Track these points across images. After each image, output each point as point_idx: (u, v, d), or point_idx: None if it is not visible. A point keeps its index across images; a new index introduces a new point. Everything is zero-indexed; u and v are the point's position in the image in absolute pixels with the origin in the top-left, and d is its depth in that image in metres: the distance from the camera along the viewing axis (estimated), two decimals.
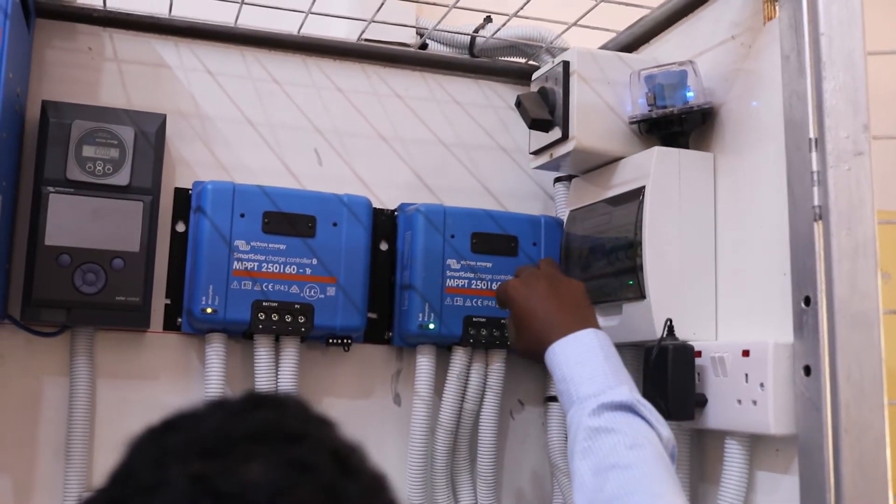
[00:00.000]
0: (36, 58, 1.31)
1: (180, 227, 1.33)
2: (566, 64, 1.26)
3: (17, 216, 1.25)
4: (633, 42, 1.39)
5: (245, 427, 0.51)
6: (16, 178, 1.24)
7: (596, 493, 0.92)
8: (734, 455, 1.08)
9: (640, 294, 1.18)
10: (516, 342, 1.15)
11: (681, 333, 1.14)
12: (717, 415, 1.10)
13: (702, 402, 1.11)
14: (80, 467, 1.24)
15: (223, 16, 1.38)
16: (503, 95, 1.52)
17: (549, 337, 1.06)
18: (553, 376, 1.06)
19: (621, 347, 1.24)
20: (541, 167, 1.35)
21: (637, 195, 1.20)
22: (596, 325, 1.08)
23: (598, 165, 1.30)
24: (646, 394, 1.14)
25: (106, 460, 1.25)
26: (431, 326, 1.32)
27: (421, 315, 1.32)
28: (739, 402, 1.06)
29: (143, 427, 0.54)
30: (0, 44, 1.09)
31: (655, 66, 1.25)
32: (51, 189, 1.21)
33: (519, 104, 1.29)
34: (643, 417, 0.97)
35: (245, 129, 1.39)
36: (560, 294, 1.11)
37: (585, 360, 1.03)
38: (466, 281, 1.35)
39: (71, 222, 1.22)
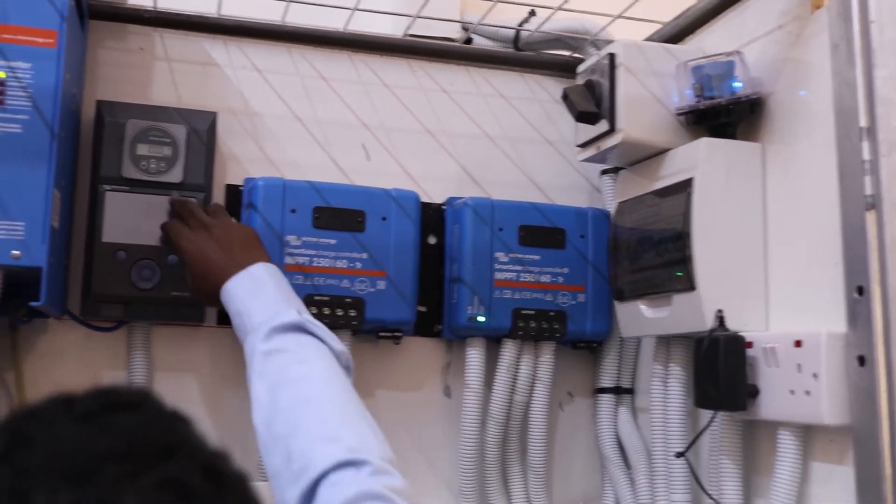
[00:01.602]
0: (89, 58, 1.33)
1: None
2: (612, 56, 1.26)
3: (75, 214, 1.28)
4: (678, 33, 1.39)
5: (108, 441, 0.47)
6: (73, 176, 1.26)
7: (271, 408, 0.98)
8: (787, 446, 1.08)
9: (690, 285, 1.18)
10: (192, 286, 1.19)
11: (731, 324, 1.14)
12: (769, 405, 1.10)
13: (753, 392, 1.11)
14: None
15: (271, 14, 1.39)
16: (548, 88, 1.52)
17: (222, 277, 1.12)
18: (228, 312, 1.11)
19: (671, 338, 1.25)
20: (587, 160, 1.35)
21: (685, 186, 1.20)
22: (267, 261, 1.14)
23: (645, 157, 1.31)
24: (697, 384, 1.14)
25: None
26: (481, 319, 1.34)
27: (470, 308, 1.34)
28: (792, 392, 1.06)
29: None
30: (58, 46, 1.12)
31: (702, 56, 1.25)
32: (107, 187, 1.24)
33: (565, 97, 1.30)
34: (313, 334, 1.05)
35: (293, 126, 1.41)
36: (230, 238, 1.17)
37: (257, 292, 1.10)
38: (515, 274, 1.36)
39: (127, 219, 1.24)
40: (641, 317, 1.27)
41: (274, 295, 1.09)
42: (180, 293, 1.24)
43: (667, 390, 1.27)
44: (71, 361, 1.30)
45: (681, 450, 1.21)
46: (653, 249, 1.25)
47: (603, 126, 1.27)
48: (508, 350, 1.37)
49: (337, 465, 0.87)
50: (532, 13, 1.47)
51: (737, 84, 1.21)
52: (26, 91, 1.10)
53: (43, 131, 1.10)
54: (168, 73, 1.37)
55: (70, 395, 0.51)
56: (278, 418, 0.97)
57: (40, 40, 1.11)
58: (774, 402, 1.09)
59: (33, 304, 1.10)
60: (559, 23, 1.44)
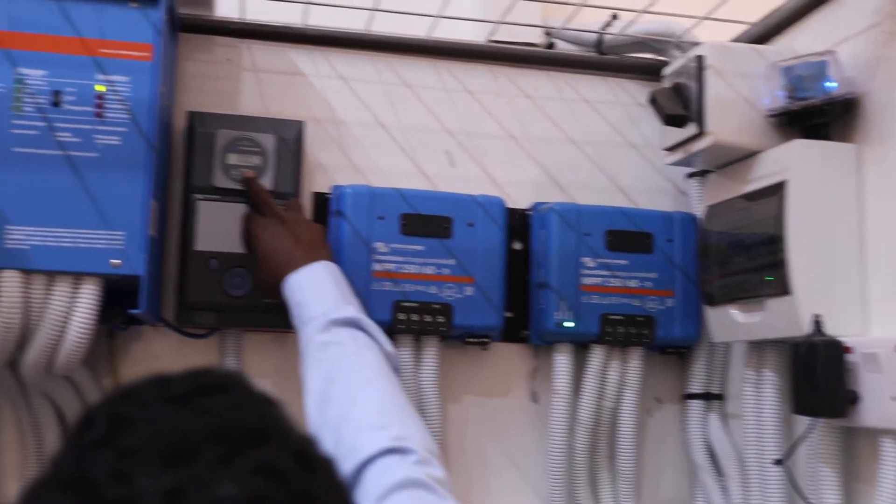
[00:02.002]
0: (178, 70, 1.36)
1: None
2: (700, 58, 1.25)
3: (167, 223, 1.30)
4: (765, 33, 1.37)
5: (203, 424, 0.49)
6: (166, 186, 1.29)
7: (324, 395, 1.04)
8: (890, 454, 1.06)
9: (783, 289, 1.16)
10: (256, 276, 1.24)
11: (828, 329, 1.12)
12: (870, 412, 1.07)
13: (853, 399, 1.09)
14: None
15: (354, 23, 1.41)
16: (631, 92, 1.51)
17: (286, 269, 1.16)
18: (288, 304, 1.16)
19: (764, 344, 1.24)
20: (675, 163, 1.34)
21: (777, 189, 1.18)
22: (330, 261, 1.20)
23: (734, 160, 1.29)
24: (795, 391, 1.12)
25: None
26: (568, 324, 1.33)
27: (557, 313, 1.33)
28: (894, 399, 1.03)
29: (81, 417, 0.52)
30: (153, 60, 1.14)
31: (793, 57, 1.23)
32: (199, 196, 1.26)
33: (653, 101, 1.28)
34: (367, 332, 1.11)
35: (378, 133, 1.42)
36: (300, 233, 1.21)
37: (316, 286, 1.15)
38: (602, 278, 1.35)
39: (218, 228, 1.26)
40: (733, 322, 1.26)
41: (333, 291, 1.15)
42: (271, 300, 1.26)
43: (760, 396, 1.25)
44: (165, 367, 1.30)
45: (778, 457, 1.19)
46: (744, 253, 1.24)
47: (691, 129, 1.25)
48: (596, 356, 1.36)
49: (383, 451, 0.91)
50: (614, 16, 1.46)
51: (830, 84, 1.19)
52: (124, 104, 1.12)
53: (140, 143, 1.12)
54: (255, 83, 1.39)
55: (164, 377, 0.52)
56: (330, 405, 1.02)
57: (137, 54, 1.14)
58: (876, 408, 1.07)
59: (132, 311, 1.13)
60: (643, 25, 1.43)
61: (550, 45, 1.49)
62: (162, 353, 1.32)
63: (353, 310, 1.13)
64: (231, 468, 0.46)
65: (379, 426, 0.97)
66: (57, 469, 0.49)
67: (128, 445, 0.47)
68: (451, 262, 1.31)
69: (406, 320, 1.28)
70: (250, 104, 1.39)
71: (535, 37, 1.49)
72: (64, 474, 0.49)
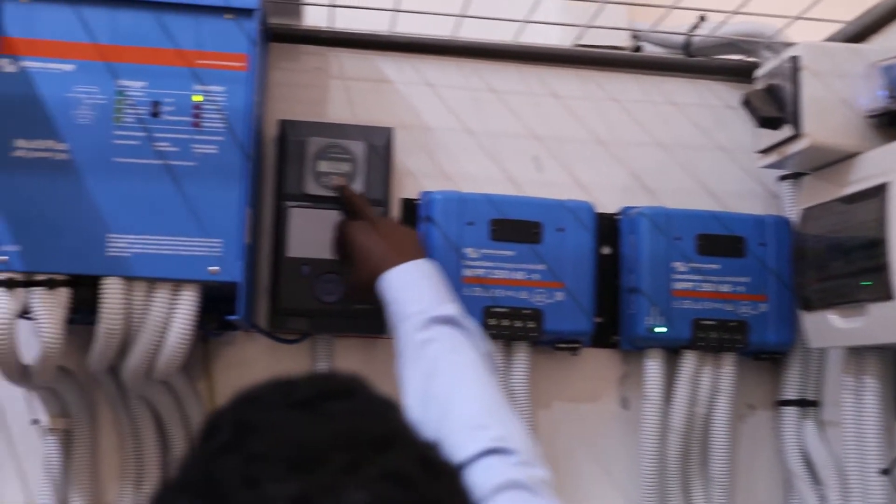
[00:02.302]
0: (267, 79, 1.38)
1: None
2: (795, 59, 1.23)
3: (259, 230, 1.32)
4: (861, 32, 1.34)
5: (329, 430, 0.49)
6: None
7: (424, 394, 1.02)
8: None
9: (886, 294, 1.13)
10: (351, 279, 1.22)
11: None
12: None
13: None
14: None
15: (440, 30, 1.41)
16: (719, 94, 1.49)
17: (382, 267, 1.14)
18: (385, 301, 1.14)
19: (864, 349, 1.21)
20: (769, 166, 1.32)
21: (879, 192, 1.15)
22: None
23: (832, 162, 1.26)
24: None
25: None
26: (660, 330, 1.32)
27: (649, 318, 1.32)
28: None
29: (206, 420, 0.53)
30: (249, 69, 1.16)
31: (894, 56, 1.20)
32: (291, 203, 1.28)
33: (746, 102, 1.27)
34: (465, 329, 1.08)
35: (465, 139, 1.42)
36: (395, 234, 1.21)
37: (414, 284, 1.13)
38: (694, 283, 1.33)
39: (310, 234, 1.28)
40: (831, 327, 1.23)
41: (431, 288, 1.13)
42: (367, 303, 1.27)
43: (861, 403, 1.22)
44: (257, 373, 1.32)
45: (883, 466, 1.16)
46: (843, 257, 1.21)
47: (787, 131, 1.23)
48: (688, 361, 1.34)
49: (484, 451, 0.89)
50: (702, 18, 1.45)
51: None
52: (221, 114, 1.14)
53: (236, 152, 1.14)
54: (343, 91, 1.41)
55: (288, 381, 0.53)
56: (431, 404, 1.00)
57: (232, 64, 1.16)
58: None
59: (230, 317, 1.14)
60: (732, 26, 1.41)
61: (637, 49, 1.48)
62: (254, 359, 1.34)
63: (452, 308, 1.10)
64: (358, 475, 0.47)
65: (480, 426, 0.95)
66: (185, 473, 0.50)
67: (254, 451, 0.48)
68: (541, 267, 1.31)
69: (496, 326, 1.28)
70: (339, 112, 1.40)
71: (622, 40, 1.48)
72: (192, 479, 0.49)
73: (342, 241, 1.25)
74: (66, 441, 1.28)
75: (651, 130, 1.47)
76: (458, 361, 1.05)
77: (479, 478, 0.87)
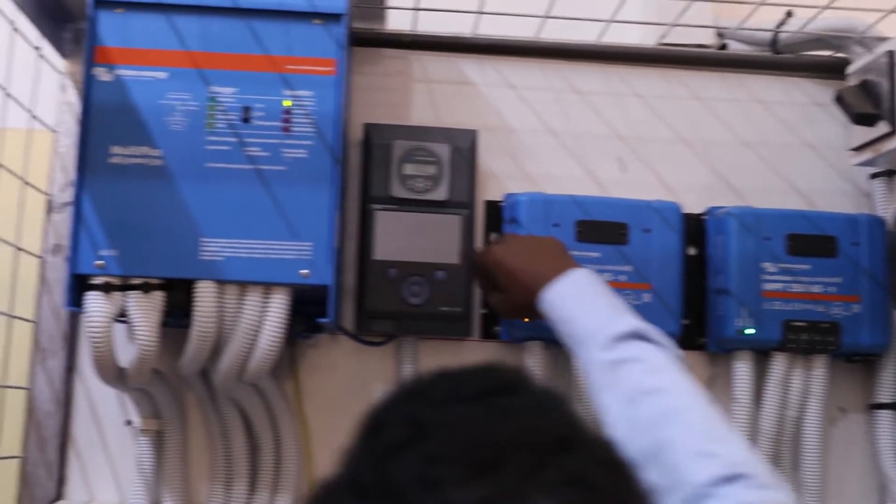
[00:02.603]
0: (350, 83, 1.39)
1: (492, 239, 1.36)
2: (892, 54, 1.20)
3: (344, 233, 1.33)
4: None
5: (506, 429, 0.47)
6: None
7: (630, 422, 0.91)
8: None
9: None
10: (505, 302, 1.16)
11: None
12: None
13: None
14: None
15: (522, 31, 1.41)
16: (807, 91, 1.46)
17: (538, 285, 1.08)
18: (552, 321, 1.06)
19: None
20: (863, 163, 1.29)
21: None
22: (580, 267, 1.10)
23: None
24: None
25: None
26: (749, 331, 1.30)
27: (738, 320, 1.30)
28: None
29: (369, 416, 0.51)
30: (337, 74, 1.17)
31: None
32: (377, 206, 1.28)
33: (839, 99, 1.24)
34: (654, 341, 0.98)
35: (548, 140, 1.42)
36: (536, 246, 1.17)
37: (582, 298, 1.05)
38: (784, 284, 1.31)
39: (396, 237, 1.28)
40: None
41: (601, 301, 1.04)
42: (449, 308, 1.27)
43: None
44: (343, 375, 1.35)
45: None
46: None
47: (882, 128, 1.21)
48: (779, 363, 1.32)
49: (718, 480, 0.81)
50: (789, 14, 1.42)
51: None
52: (310, 118, 1.16)
53: (326, 156, 1.15)
54: (426, 94, 1.41)
55: (452, 375, 0.52)
56: (641, 433, 0.89)
57: (321, 69, 1.17)
58: None
59: (321, 320, 1.15)
60: (821, 22, 1.38)
61: (723, 46, 1.46)
62: (339, 361, 1.35)
63: (631, 319, 1.00)
64: (541, 478, 0.45)
65: (707, 453, 0.85)
66: (354, 474, 0.49)
67: (432, 451, 0.46)
68: (628, 268, 1.30)
69: None
70: (422, 115, 1.40)
71: (707, 38, 1.46)
72: (362, 479, 0.47)
73: (484, 270, 1.20)
74: (158, 442, 1.30)
75: (736, 129, 1.45)
76: (661, 381, 0.94)
77: None
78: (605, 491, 0.46)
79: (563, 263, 1.10)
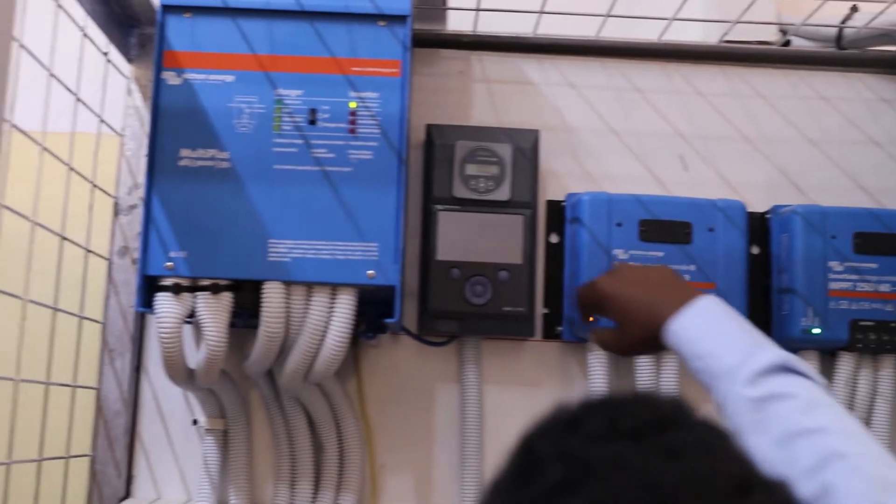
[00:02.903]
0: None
1: (554, 239, 1.36)
2: None
3: (406, 234, 1.33)
4: None
5: (678, 472, 0.44)
6: None
7: (788, 465, 0.79)
8: None
9: None
10: (621, 339, 1.03)
11: None
12: None
13: None
14: (475, 468, 1.30)
15: (583, 30, 1.40)
16: (872, 86, 1.44)
17: (659, 317, 0.95)
18: (682, 355, 0.94)
19: None
20: None
21: None
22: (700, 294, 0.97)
23: None
24: None
25: (498, 463, 1.31)
26: (816, 331, 1.28)
27: (804, 319, 1.28)
28: None
29: (520, 449, 0.48)
30: (402, 75, 1.17)
31: None
32: (439, 207, 1.29)
33: None
34: (801, 373, 0.87)
35: (610, 139, 1.41)
36: (654, 275, 1.03)
37: (715, 329, 0.93)
38: (851, 283, 1.29)
39: (459, 238, 1.28)
40: None
41: (737, 330, 0.93)
42: (512, 308, 1.27)
43: None
44: (405, 374, 1.36)
45: None
46: None
47: None
48: (845, 363, 1.30)
49: None
50: (854, 9, 1.40)
51: None
52: (375, 119, 1.16)
53: (392, 157, 1.16)
54: (486, 94, 1.41)
55: (606, 404, 0.48)
56: (801, 478, 0.79)
57: (386, 70, 1.17)
58: None
59: (388, 320, 1.16)
60: (887, 16, 1.36)
61: (786, 43, 1.44)
62: (401, 361, 1.36)
63: (773, 349, 0.90)
64: None
65: (886, 488, 0.76)
66: None
67: (598, 496, 0.43)
68: (692, 267, 1.29)
69: None
70: (482, 115, 1.41)
71: (770, 35, 1.44)
72: None
73: (591, 304, 1.09)
74: (223, 441, 1.32)
75: (800, 126, 1.43)
76: (822, 421, 0.82)
77: None
78: None
79: (686, 292, 0.98)
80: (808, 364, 0.88)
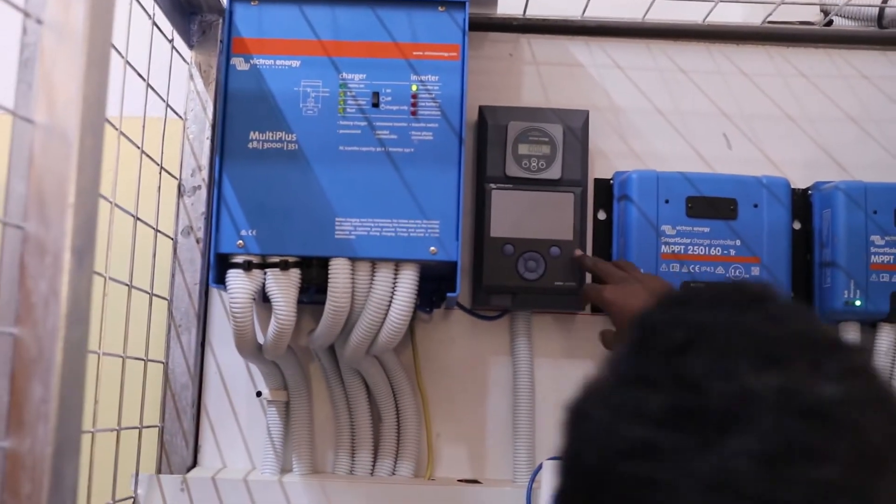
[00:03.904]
0: None
1: (601, 216, 1.41)
2: None
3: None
4: None
5: (785, 331, 0.51)
6: None
7: None
8: None
9: None
10: (618, 339, 1.16)
11: None
12: None
13: None
14: (527, 437, 1.35)
15: (629, 12, 1.44)
16: None
17: None
18: None
19: None
20: None
21: None
22: None
23: None
24: None
25: (548, 434, 1.37)
26: (857, 303, 1.32)
27: (846, 292, 1.33)
28: None
29: (637, 325, 0.54)
30: (460, 59, 1.22)
31: None
32: (493, 185, 1.34)
33: None
34: None
35: (655, 119, 1.45)
36: (654, 285, 1.18)
37: None
38: (892, 257, 1.33)
39: (512, 215, 1.33)
40: None
41: None
42: (563, 283, 1.32)
43: None
44: (459, 347, 1.41)
45: None
46: None
47: None
48: (886, 334, 1.34)
49: None
50: None
51: None
52: (435, 101, 1.21)
53: (452, 137, 1.21)
54: (536, 76, 1.46)
55: (711, 288, 0.56)
56: None
57: (445, 54, 1.22)
58: None
59: (450, 294, 1.21)
60: None
61: (828, 23, 1.48)
62: (455, 334, 1.41)
63: None
64: (825, 371, 0.49)
65: None
66: (637, 371, 0.52)
67: (721, 347, 0.50)
68: (737, 242, 1.33)
69: None
70: (532, 96, 1.45)
71: (812, 15, 1.48)
72: (649, 375, 0.50)
73: (601, 306, 1.23)
74: (286, 412, 1.38)
75: (841, 104, 1.47)
76: None
77: None
78: (875, 384, 0.51)
79: None
80: None
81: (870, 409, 0.49)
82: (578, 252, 1.32)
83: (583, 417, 0.53)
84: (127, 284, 1.22)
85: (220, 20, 1.40)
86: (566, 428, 0.54)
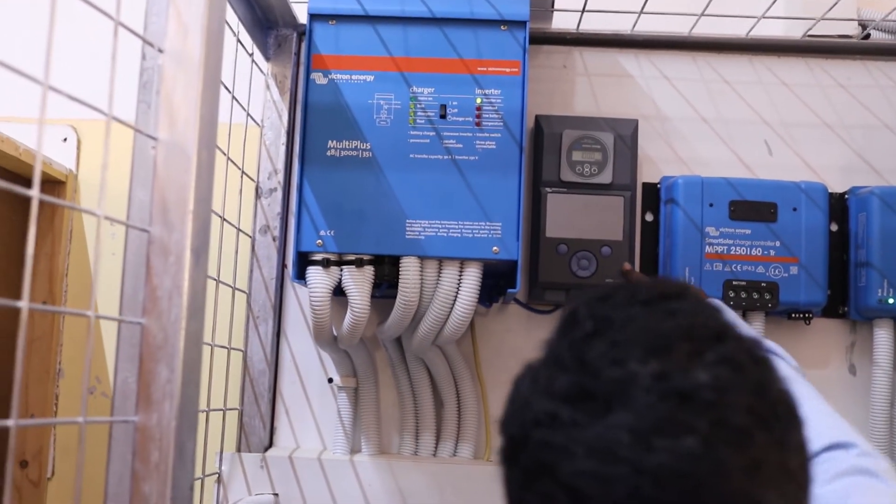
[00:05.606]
0: None
1: (649, 217, 1.51)
2: None
3: None
4: None
5: (673, 325, 0.58)
6: None
7: None
8: None
9: None
10: None
11: None
12: None
13: None
14: None
15: (677, 27, 1.54)
16: None
17: None
18: None
19: None
20: None
21: None
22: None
23: None
24: None
25: None
26: (891, 301, 1.41)
27: (880, 291, 1.42)
28: None
29: (566, 317, 0.62)
30: (521, 74, 1.33)
31: None
32: (548, 189, 1.44)
33: None
34: (777, 355, 1.07)
35: (700, 127, 1.55)
36: None
37: None
38: None
39: (566, 217, 1.43)
40: None
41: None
42: (613, 280, 1.42)
43: None
44: (515, 339, 1.52)
45: None
46: None
47: None
48: None
49: (826, 447, 0.92)
50: None
51: None
52: (498, 113, 1.32)
53: (513, 146, 1.31)
54: (588, 86, 1.56)
55: (631, 286, 0.64)
56: None
57: (507, 70, 1.33)
58: None
59: (511, 290, 1.32)
60: None
61: (866, 37, 1.56)
62: (511, 327, 1.52)
63: (762, 340, 1.08)
64: (700, 360, 0.57)
65: (818, 434, 0.92)
66: (554, 355, 0.61)
67: (617, 338, 0.58)
68: (777, 244, 1.42)
69: (736, 297, 1.41)
70: (584, 105, 1.55)
71: (850, 29, 1.56)
72: (561, 359, 0.60)
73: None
74: (355, 397, 1.49)
75: (877, 113, 1.56)
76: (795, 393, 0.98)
77: (823, 468, 0.90)
78: (750, 372, 0.58)
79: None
80: (782, 348, 1.11)
81: (735, 393, 0.56)
82: (627, 266, 1.41)
83: (516, 389, 0.63)
84: (215, 279, 1.34)
85: (295, 34, 1.52)
86: (508, 396, 0.64)
